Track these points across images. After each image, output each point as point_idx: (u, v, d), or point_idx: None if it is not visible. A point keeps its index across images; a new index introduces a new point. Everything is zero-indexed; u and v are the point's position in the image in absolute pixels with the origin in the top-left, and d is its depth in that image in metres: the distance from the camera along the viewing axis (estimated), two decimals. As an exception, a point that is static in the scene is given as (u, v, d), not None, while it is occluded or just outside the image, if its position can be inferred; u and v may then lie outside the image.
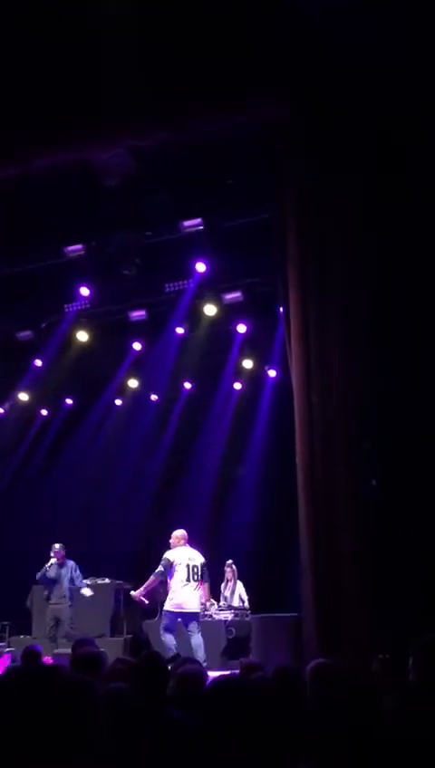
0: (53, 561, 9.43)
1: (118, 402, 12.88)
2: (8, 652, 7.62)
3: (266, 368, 11.54)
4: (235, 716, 1.81)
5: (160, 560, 8.58)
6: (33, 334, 10.97)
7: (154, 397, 12.74)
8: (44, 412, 13.14)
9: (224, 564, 10.41)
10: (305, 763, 2.25)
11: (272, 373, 11.56)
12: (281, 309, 7.46)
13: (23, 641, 9.61)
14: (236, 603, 10.09)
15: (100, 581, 10.69)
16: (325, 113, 6.62)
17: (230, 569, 10.30)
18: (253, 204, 8.39)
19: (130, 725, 1.84)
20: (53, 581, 9.43)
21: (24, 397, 12.49)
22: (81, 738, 1.63)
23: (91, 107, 6.76)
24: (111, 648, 7.59)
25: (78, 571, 9.61)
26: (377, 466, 6.25)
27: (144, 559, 11.69)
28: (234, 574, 10.28)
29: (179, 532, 8.82)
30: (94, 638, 6.71)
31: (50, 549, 9.57)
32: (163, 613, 8.49)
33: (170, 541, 8.78)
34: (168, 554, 8.61)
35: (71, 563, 9.59)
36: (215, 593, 10.24)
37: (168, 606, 8.39)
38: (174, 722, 2.06)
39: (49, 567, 9.42)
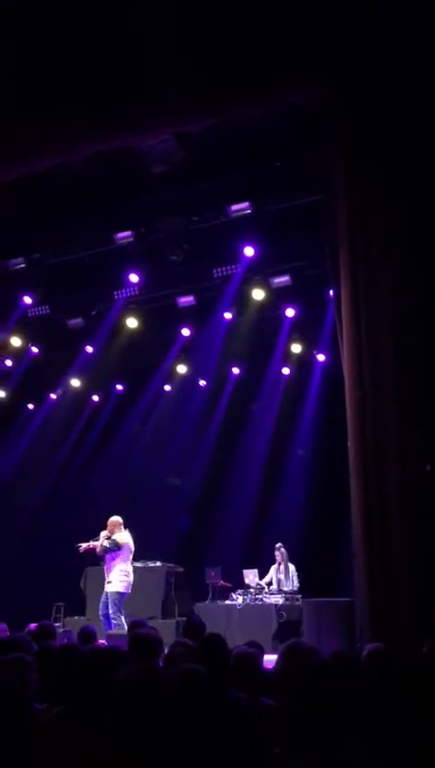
0: None
1: (167, 388, 12.99)
2: (64, 632, 7.81)
3: (315, 352, 11.45)
4: (303, 700, 1.83)
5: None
6: (83, 321, 11.14)
7: (202, 382, 12.79)
8: (96, 398, 13.35)
9: (273, 548, 10.43)
10: (354, 747, 2.26)
11: (321, 358, 11.46)
12: (331, 292, 7.38)
13: (77, 622, 9.85)
14: (291, 586, 10.10)
15: (151, 564, 10.85)
16: (371, 91, 6.48)
17: (280, 552, 10.32)
18: (301, 186, 8.29)
19: (203, 707, 1.88)
20: None
21: (75, 383, 12.72)
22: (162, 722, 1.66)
23: (135, 93, 6.77)
24: (163, 631, 7.70)
25: None
26: (431, 452, 6.16)
27: (194, 542, 11.86)
28: (283, 557, 10.30)
29: (118, 518, 9.04)
30: (147, 621, 6.82)
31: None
32: (113, 595, 8.65)
33: (108, 527, 8.92)
34: (118, 537, 8.82)
35: None
36: (264, 576, 10.29)
37: (120, 587, 8.65)
38: (236, 703, 2.09)
39: None
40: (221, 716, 1.91)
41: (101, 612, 8.78)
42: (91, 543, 9.00)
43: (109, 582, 8.72)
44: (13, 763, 1.69)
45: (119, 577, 8.71)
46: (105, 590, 8.76)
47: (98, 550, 8.79)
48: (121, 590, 8.69)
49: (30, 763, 1.74)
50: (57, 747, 2.00)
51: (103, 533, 8.87)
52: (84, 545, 9.06)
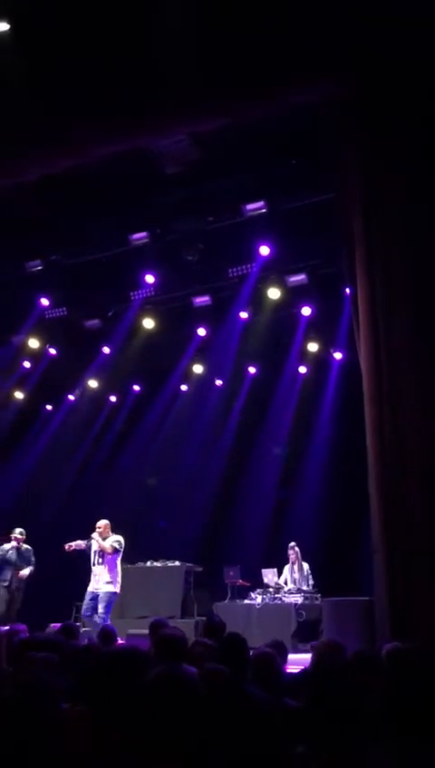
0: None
1: (183, 388, 13.02)
2: (85, 632, 7.86)
3: (332, 350, 11.42)
4: (325, 700, 1.84)
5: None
6: (100, 322, 11.21)
7: (219, 382, 12.81)
8: (113, 398, 13.41)
9: (287, 547, 10.43)
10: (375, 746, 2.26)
11: (338, 356, 11.43)
12: (348, 290, 7.36)
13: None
14: (306, 585, 10.09)
15: (170, 564, 10.89)
16: (386, 89, 6.45)
17: (293, 551, 10.31)
18: (316, 185, 8.27)
19: (227, 705, 1.89)
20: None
21: (93, 384, 12.79)
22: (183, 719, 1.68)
23: (149, 94, 6.79)
24: (183, 630, 7.73)
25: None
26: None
27: (212, 541, 11.87)
28: (297, 556, 10.29)
29: (107, 522, 9.14)
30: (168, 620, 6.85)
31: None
32: (110, 596, 8.78)
33: (100, 530, 9.02)
34: (120, 539, 8.96)
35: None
36: (279, 576, 10.29)
37: (117, 588, 8.80)
38: (259, 703, 2.10)
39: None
40: (245, 716, 1.93)
41: (84, 613, 8.85)
42: (79, 543, 9.16)
43: (108, 582, 8.80)
44: (44, 761, 1.72)
45: (117, 578, 8.85)
46: (97, 590, 8.82)
47: (109, 550, 8.87)
48: (118, 590, 8.89)
49: (58, 761, 1.76)
50: (82, 746, 2.03)
51: (95, 535, 8.99)
52: (74, 544, 9.18)
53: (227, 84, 6.67)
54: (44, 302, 10.75)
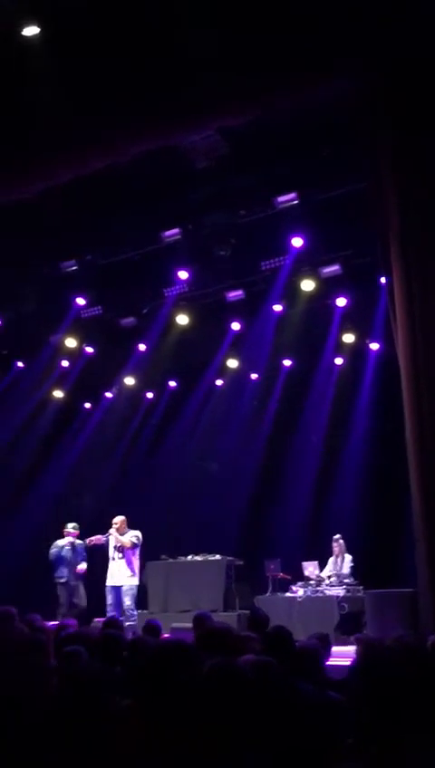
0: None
1: (218, 383, 13.04)
2: (129, 625, 7.96)
3: (368, 341, 11.30)
4: (375, 695, 1.84)
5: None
6: (135, 320, 11.30)
7: (254, 376, 12.79)
8: (150, 395, 13.51)
9: (331, 539, 10.38)
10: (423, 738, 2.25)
11: (374, 346, 11.32)
12: (384, 280, 7.28)
13: (139, 616, 10.00)
14: (349, 578, 10.03)
15: (211, 557, 10.93)
16: (420, 76, 6.35)
17: (337, 543, 10.26)
18: (348, 174, 8.19)
19: (276, 698, 1.91)
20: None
21: (130, 381, 12.90)
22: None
23: (179, 90, 6.80)
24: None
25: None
26: None
27: (252, 535, 11.89)
28: (341, 548, 10.24)
29: (123, 517, 9.42)
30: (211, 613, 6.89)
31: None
32: (134, 589, 9.15)
33: (117, 526, 9.29)
34: (138, 534, 9.26)
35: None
36: (322, 568, 10.25)
37: (136, 581, 9.13)
38: (306, 695, 2.11)
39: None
40: (293, 708, 1.94)
41: (111, 608, 9.08)
42: (99, 538, 9.42)
43: (131, 576, 9.12)
44: (99, 752, 1.76)
45: (137, 571, 9.17)
46: (120, 584, 9.12)
47: (128, 545, 9.15)
48: (138, 583, 9.22)
49: (109, 754, 1.80)
50: (131, 739, 2.06)
51: (113, 531, 9.25)
52: (94, 539, 9.45)
53: (256, 77, 6.63)
54: (80, 301, 10.87)
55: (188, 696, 1.74)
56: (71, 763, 1.84)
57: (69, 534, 9.97)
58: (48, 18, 6.27)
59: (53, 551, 9.97)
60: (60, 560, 9.91)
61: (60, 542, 9.97)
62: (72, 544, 9.94)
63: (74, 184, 7.86)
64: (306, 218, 8.90)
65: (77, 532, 10.06)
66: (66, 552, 9.89)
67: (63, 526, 10.20)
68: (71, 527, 10.04)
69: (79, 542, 10.03)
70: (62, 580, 9.83)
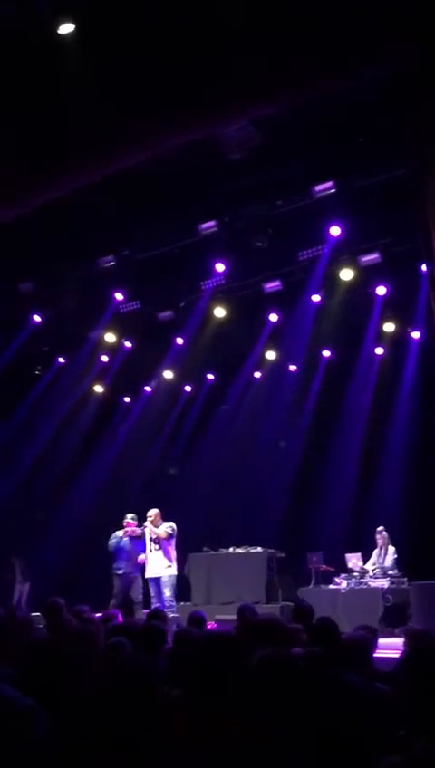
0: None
1: (257, 375, 13.01)
2: (173, 617, 8.02)
3: (410, 330, 11.14)
4: (421, 688, 1.81)
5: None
6: (172, 314, 11.33)
7: (293, 367, 12.72)
8: (188, 388, 13.55)
9: (374, 531, 10.29)
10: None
11: (416, 335, 11.15)
12: (424, 267, 7.16)
13: (183, 608, 10.08)
14: (393, 570, 9.94)
15: (252, 550, 10.94)
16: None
17: (381, 535, 10.17)
18: (386, 161, 8.06)
19: (325, 689, 1.91)
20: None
21: (168, 375, 12.97)
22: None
23: (214, 81, 6.75)
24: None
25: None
26: None
27: (293, 527, 11.85)
28: (385, 540, 10.15)
29: (157, 510, 9.62)
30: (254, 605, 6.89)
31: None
32: (173, 579, 9.32)
33: (151, 519, 9.49)
34: (172, 524, 9.46)
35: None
36: (366, 561, 10.17)
37: (174, 571, 9.31)
38: (354, 686, 2.09)
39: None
40: (342, 699, 1.92)
41: (156, 600, 9.23)
42: (135, 530, 9.67)
43: (168, 567, 9.30)
44: (150, 741, 1.77)
45: (174, 561, 9.34)
46: (158, 575, 9.30)
47: (163, 536, 9.36)
48: (176, 573, 9.38)
49: (157, 746, 1.81)
50: (179, 731, 2.07)
51: (148, 523, 9.48)
52: (129, 530, 9.70)
53: (291, 64, 6.54)
54: (118, 296, 10.95)
55: (238, 686, 1.74)
56: (122, 755, 1.86)
57: (128, 525, 9.86)
58: (82, 16, 6.30)
59: (112, 541, 9.90)
60: (119, 551, 9.82)
61: (119, 533, 9.88)
62: (131, 535, 9.86)
63: (110, 180, 7.89)
64: (344, 206, 8.79)
65: (136, 522, 9.92)
66: (125, 543, 9.86)
67: (123, 517, 10.08)
68: (130, 517, 9.91)
69: (139, 530, 9.88)
70: (120, 572, 9.76)
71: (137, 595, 9.77)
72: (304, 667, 1.98)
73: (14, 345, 11.42)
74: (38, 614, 6.07)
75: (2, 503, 11.74)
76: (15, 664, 2.36)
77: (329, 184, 8.58)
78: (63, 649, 2.18)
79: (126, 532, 9.76)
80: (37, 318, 11.21)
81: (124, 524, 9.95)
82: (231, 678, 1.74)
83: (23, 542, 11.98)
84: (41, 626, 5.20)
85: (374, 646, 3.60)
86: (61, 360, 12.47)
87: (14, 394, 12.30)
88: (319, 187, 8.62)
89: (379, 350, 11.83)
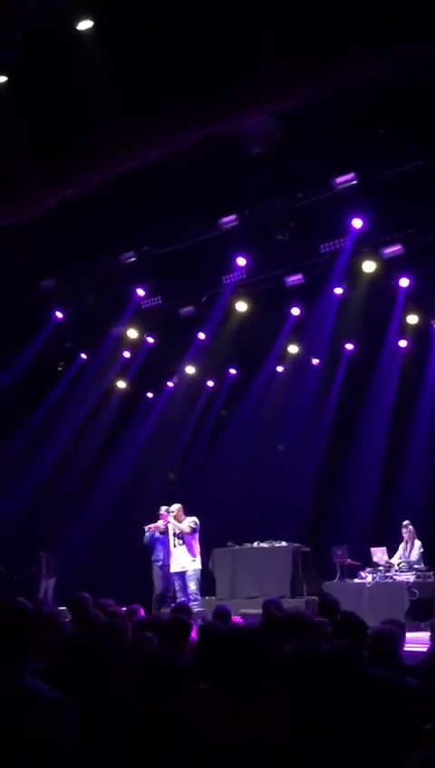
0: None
1: (279, 369, 12.96)
2: (198, 611, 8.05)
3: (433, 322, 11.03)
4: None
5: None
6: (194, 309, 11.32)
7: (315, 361, 12.66)
8: (211, 383, 13.55)
9: (399, 525, 10.23)
10: None
11: (439, 326, 11.04)
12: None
13: (208, 602, 10.11)
14: (419, 564, 9.87)
15: (277, 544, 10.93)
16: None
17: (407, 529, 10.10)
18: (407, 152, 7.98)
19: (352, 682, 1.90)
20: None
21: (190, 370, 12.97)
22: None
23: (234, 75, 6.71)
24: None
25: None
26: None
27: (317, 521, 11.82)
28: (410, 534, 10.08)
29: (179, 505, 9.65)
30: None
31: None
32: (198, 573, 9.36)
33: (174, 513, 9.51)
34: (195, 519, 9.48)
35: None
36: (391, 555, 10.12)
37: (198, 565, 9.34)
38: (380, 680, 2.08)
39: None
40: (371, 693, 1.91)
41: (181, 594, 9.27)
42: (158, 525, 9.78)
43: (193, 561, 9.36)
44: (178, 735, 1.78)
45: (198, 555, 9.40)
46: (183, 569, 9.34)
47: (187, 530, 9.40)
48: (200, 567, 9.43)
49: (189, 735, 1.82)
50: (206, 724, 2.07)
51: (171, 518, 9.51)
52: (153, 526, 9.83)
53: (311, 55, 6.48)
54: (140, 292, 10.97)
55: (266, 679, 1.74)
56: (148, 748, 1.87)
57: (163, 517, 9.84)
58: (100, 12, 6.30)
59: (147, 534, 10.10)
60: (155, 542, 10.01)
61: (160, 523, 9.93)
62: (167, 527, 9.81)
63: (130, 175, 7.90)
64: (365, 198, 8.71)
65: (172, 513, 9.86)
66: (160, 535, 9.98)
67: (158, 511, 10.14)
68: (164, 509, 9.88)
69: (161, 525, 9.90)
70: (159, 563, 9.97)
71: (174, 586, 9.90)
72: (334, 659, 1.97)
73: (37, 341, 11.51)
74: (64, 608, 6.12)
75: (26, 498, 11.86)
76: (43, 658, 2.38)
77: (350, 176, 8.49)
78: (92, 643, 2.20)
79: (150, 527, 9.82)
80: (59, 314, 11.28)
81: (160, 516, 9.95)
82: (260, 671, 1.73)
83: (48, 537, 12.11)
84: (67, 620, 5.24)
85: (402, 640, 3.57)
86: (83, 355, 12.54)
87: (37, 390, 12.40)
88: (340, 180, 8.54)
89: (402, 343, 11.73)
